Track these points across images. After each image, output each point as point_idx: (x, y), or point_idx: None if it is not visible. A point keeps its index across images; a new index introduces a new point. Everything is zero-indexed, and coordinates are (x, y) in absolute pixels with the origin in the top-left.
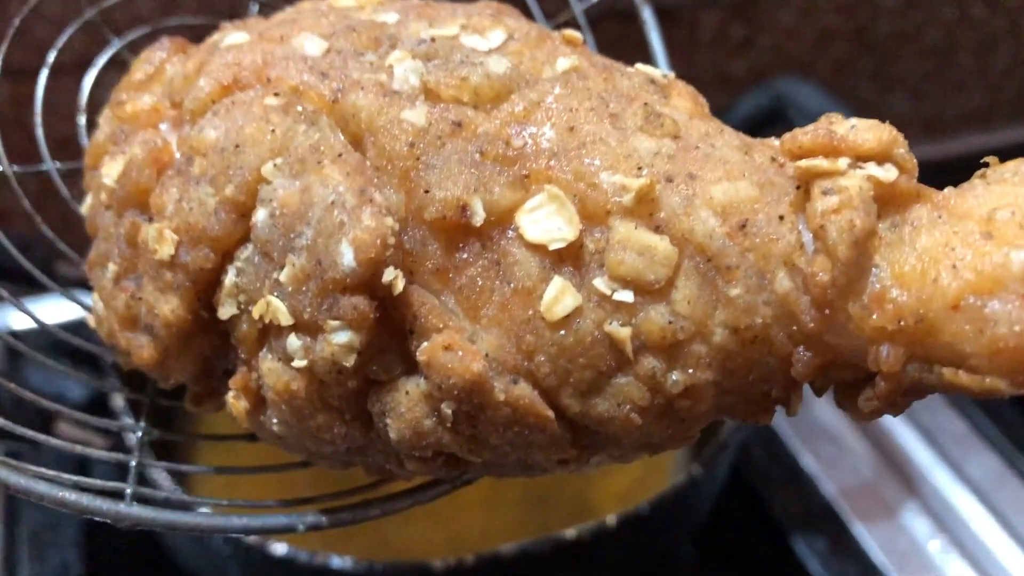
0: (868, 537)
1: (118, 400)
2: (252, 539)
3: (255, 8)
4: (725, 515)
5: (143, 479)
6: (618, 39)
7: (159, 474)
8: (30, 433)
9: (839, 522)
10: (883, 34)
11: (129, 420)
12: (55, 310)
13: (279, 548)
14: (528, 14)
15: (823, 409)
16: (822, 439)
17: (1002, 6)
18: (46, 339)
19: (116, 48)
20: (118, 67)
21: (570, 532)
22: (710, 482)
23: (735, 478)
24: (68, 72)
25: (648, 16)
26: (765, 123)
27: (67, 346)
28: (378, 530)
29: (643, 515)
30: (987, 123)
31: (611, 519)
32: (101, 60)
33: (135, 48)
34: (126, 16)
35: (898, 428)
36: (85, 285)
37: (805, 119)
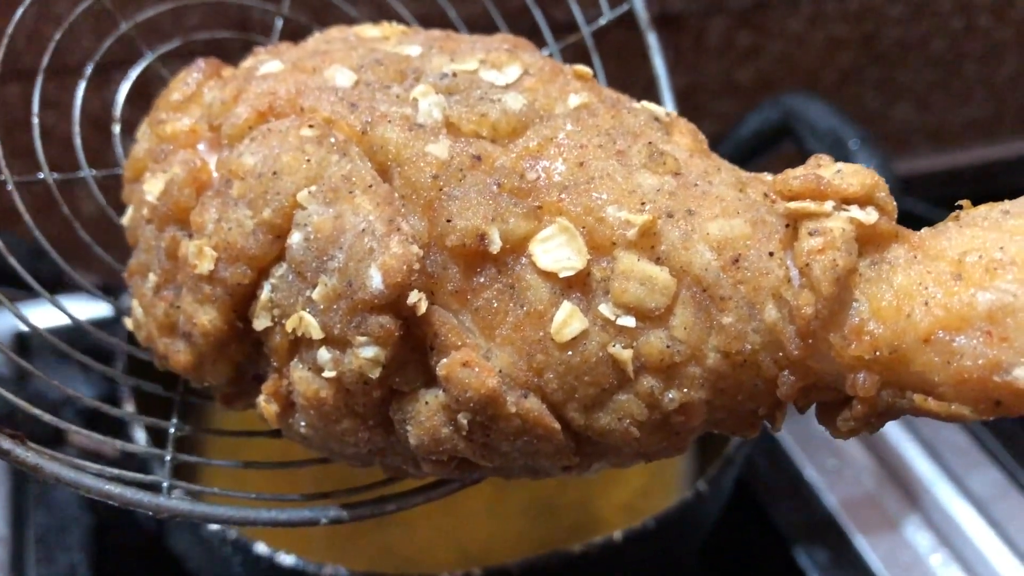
0: (869, 550)
1: (140, 434)
2: (261, 549)
3: (279, 23)
4: (729, 526)
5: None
6: (624, 48)
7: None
8: (73, 427)
9: (841, 534)
10: (889, 43)
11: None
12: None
13: (287, 559)
14: (539, 35)
15: None
16: (825, 451)
17: (1008, 16)
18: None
19: (149, 60)
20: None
21: (577, 547)
22: (715, 498)
23: (739, 489)
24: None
25: (653, 41)
26: (774, 138)
27: (80, 345)
28: (383, 540)
29: (649, 530)
30: (992, 133)
31: (618, 535)
32: (134, 72)
33: (165, 60)
34: (157, 28)
35: (900, 441)
36: (91, 289)
37: (813, 135)
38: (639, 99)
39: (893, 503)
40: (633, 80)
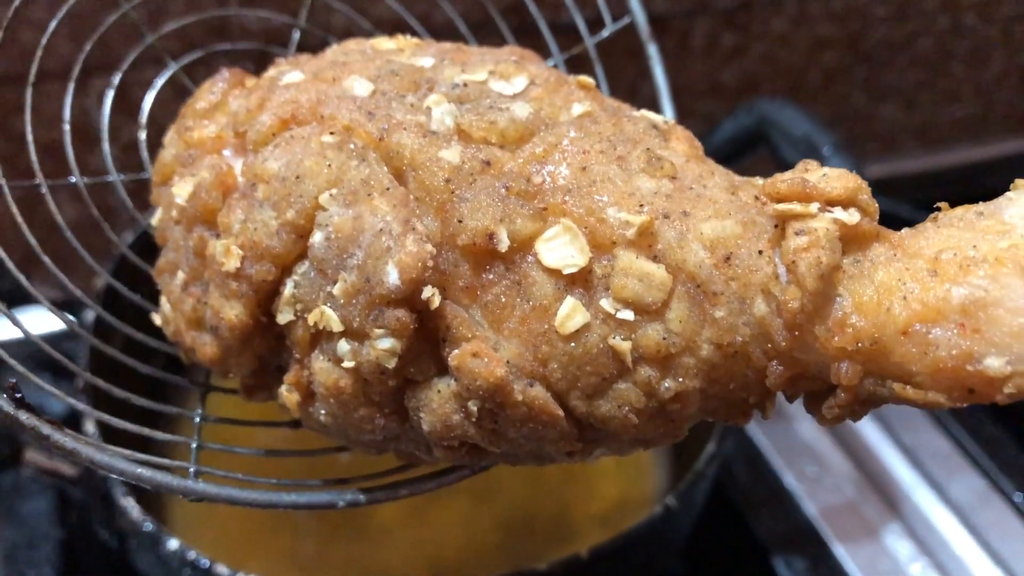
0: (849, 558)
1: (89, 425)
2: (221, 570)
3: (297, 35)
4: (707, 534)
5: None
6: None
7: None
8: (106, 417)
9: (820, 543)
10: (875, 43)
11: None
12: (33, 324)
13: None
14: (544, 46)
15: (806, 427)
16: (805, 458)
17: (994, 15)
18: (24, 350)
19: (173, 70)
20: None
21: (543, 565)
22: (686, 512)
23: (717, 496)
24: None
25: (653, 52)
26: (749, 144)
27: (46, 359)
28: (353, 554)
29: (617, 547)
30: (979, 132)
31: (584, 552)
32: (160, 81)
33: (188, 70)
34: (180, 38)
35: (881, 447)
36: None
37: (787, 141)
38: (642, 97)
39: (873, 511)
40: (636, 79)
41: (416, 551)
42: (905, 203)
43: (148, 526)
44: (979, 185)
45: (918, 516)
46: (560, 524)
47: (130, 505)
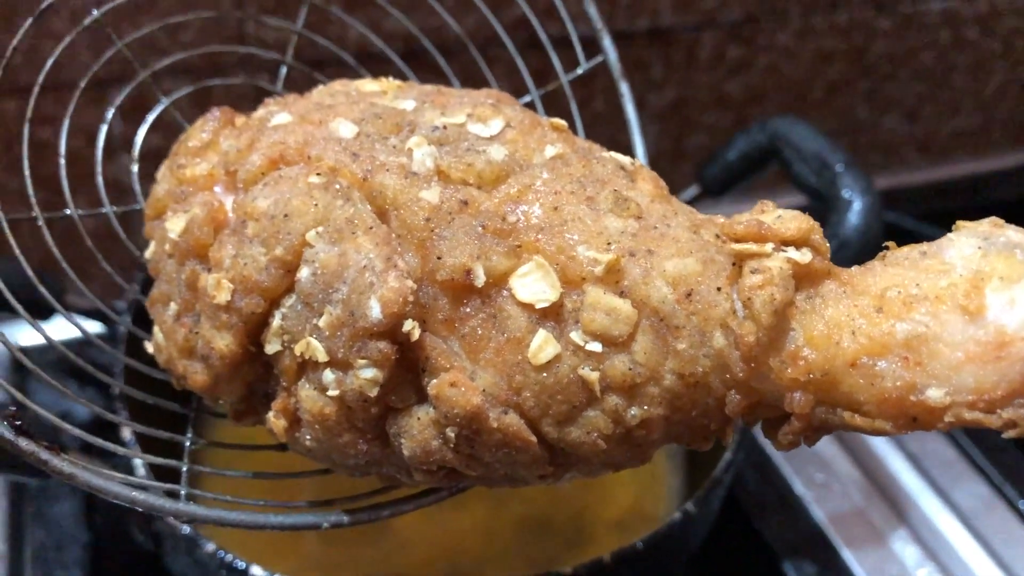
0: (856, 564)
1: (126, 432)
2: (256, 572)
3: (284, 70)
4: (718, 540)
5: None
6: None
7: None
8: (99, 442)
9: (829, 548)
10: (878, 56)
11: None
12: (61, 333)
13: None
14: (521, 84)
15: None
16: (813, 465)
17: (995, 29)
18: (52, 358)
19: (164, 105)
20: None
21: (567, 569)
22: (703, 518)
23: (728, 503)
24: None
25: (625, 90)
26: (761, 160)
27: (74, 366)
28: (376, 558)
29: (638, 551)
30: (981, 144)
31: (607, 556)
32: (151, 117)
33: (178, 105)
34: (170, 71)
35: (888, 455)
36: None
37: (800, 158)
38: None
39: (880, 517)
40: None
41: (436, 555)
42: (908, 215)
43: (186, 529)
44: (981, 196)
45: (924, 522)
46: (576, 529)
47: None
